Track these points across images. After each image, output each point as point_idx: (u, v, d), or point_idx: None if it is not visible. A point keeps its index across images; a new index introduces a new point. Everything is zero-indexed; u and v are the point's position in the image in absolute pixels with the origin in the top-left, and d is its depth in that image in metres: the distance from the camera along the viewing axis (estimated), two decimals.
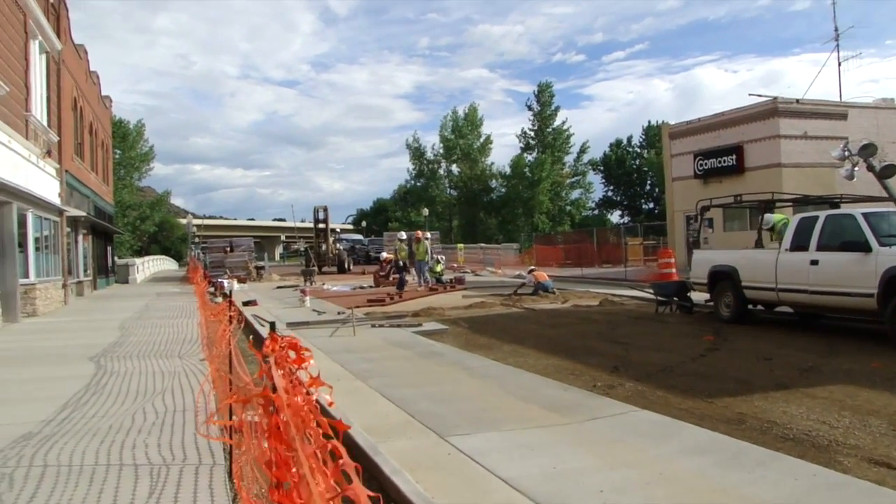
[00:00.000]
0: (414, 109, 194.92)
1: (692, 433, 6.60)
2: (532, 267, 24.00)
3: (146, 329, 15.40)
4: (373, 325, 15.67)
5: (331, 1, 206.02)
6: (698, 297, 16.89)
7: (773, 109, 27.21)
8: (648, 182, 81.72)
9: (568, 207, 71.61)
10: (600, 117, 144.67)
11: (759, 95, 27.96)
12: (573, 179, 72.86)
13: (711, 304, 15.55)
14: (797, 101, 27.78)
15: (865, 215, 11.94)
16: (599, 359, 11.07)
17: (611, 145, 79.81)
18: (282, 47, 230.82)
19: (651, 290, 17.59)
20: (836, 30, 32.35)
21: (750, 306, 14.63)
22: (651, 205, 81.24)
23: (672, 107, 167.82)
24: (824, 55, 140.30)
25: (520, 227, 65.92)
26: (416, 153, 73.29)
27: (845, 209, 13.61)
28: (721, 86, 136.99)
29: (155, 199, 72.32)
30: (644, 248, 42.42)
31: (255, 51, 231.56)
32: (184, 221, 79.71)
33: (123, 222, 59.96)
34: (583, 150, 75.00)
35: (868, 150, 19.89)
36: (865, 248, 11.53)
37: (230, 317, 6.64)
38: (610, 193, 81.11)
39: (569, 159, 73.00)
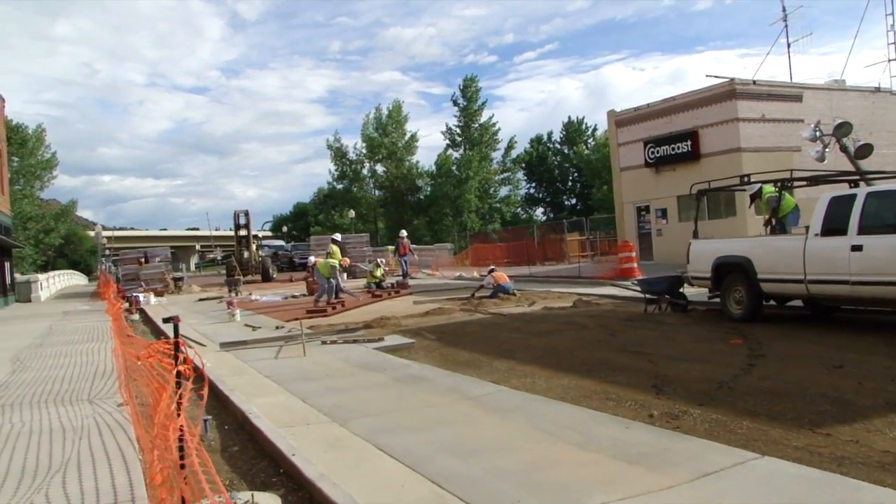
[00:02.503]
0: (327, 114, 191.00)
1: (874, 495, 4.45)
2: (491, 267, 21.76)
3: (47, 360, 12.50)
4: (324, 342, 13.17)
5: (239, 6, 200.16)
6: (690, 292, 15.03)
7: (730, 91, 25.62)
8: (570, 178, 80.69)
9: (497, 205, 69.72)
10: (512, 117, 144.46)
11: (717, 77, 26.51)
12: (502, 176, 70.98)
13: (716, 300, 13.58)
14: (754, 82, 26.30)
15: None
16: (626, 375, 8.89)
17: (531, 142, 78.34)
18: (190, 54, 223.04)
19: (638, 287, 15.55)
20: (784, 10, 31.12)
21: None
22: (574, 201, 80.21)
23: (582, 105, 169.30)
24: (726, 52, 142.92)
25: (448, 226, 63.71)
26: (338, 153, 70.22)
27: (891, 185, 11.75)
28: (629, 84, 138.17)
29: (60, 210, 67.12)
30: (581, 243, 40.77)
31: (162, 58, 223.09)
32: (92, 233, 75.08)
33: (24, 235, 55.34)
34: (510, 147, 73.24)
35: (843, 130, 18.36)
36: None
37: (180, 372, 4.20)
38: (532, 191, 79.78)
39: (496, 156, 71.27)
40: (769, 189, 14.14)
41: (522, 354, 10.90)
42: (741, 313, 12.70)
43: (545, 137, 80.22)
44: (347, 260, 22.87)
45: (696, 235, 14.37)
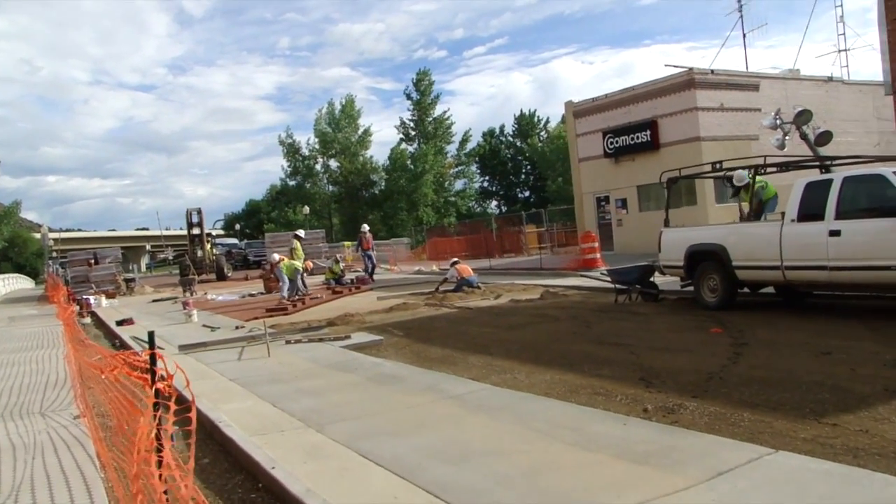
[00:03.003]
0: (277, 111, 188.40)
1: None
2: (454, 259, 21.34)
3: None
4: (288, 342, 12.64)
5: (185, 2, 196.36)
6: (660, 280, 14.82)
7: (689, 81, 25.53)
8: (524, 171, 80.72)
9: (453, 199, 69.30)
10: (463, 112, 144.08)
11: (676, 66, 26.35)
12: (457, 170, 70.56)
13: (689, 289, 13.34)
14: (712, 71, 26.25)
15: None
16: (611, 368, 8.55)
17: (484, 135, 78.13)
18: (135, 51, 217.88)
19: (608, 277, 15.27)
20: (739, 0, 31.22)
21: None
22: (527, 193, 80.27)
23: (532, 99, 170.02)
24: (673, 46, 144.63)
25: (403, 221, 63.16)
26: (290, 149, 69.09)
27: (867, 169, 11.57)
28: (578, 77, 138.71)
29: (2, 212, 64.99)
30: (538, 235, 40.60)
31: (106, 55, 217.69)
32: (38, 236, 73.01)
33: None
34: (465, 140, 72.92)
35: (803, 117, 18.34)
36: None
37: (158, 391, 3.69)
38: (486, 184, 79.59)
39: (451, 149, 70.79)
40: (757, 180, 13.89)
41: (497, 349, 10.51)
42: (716, 301, 12.47)
43: (497, 130, 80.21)
44: (310, 263, 22.18)
45: (667, 224, 14.11)
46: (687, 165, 15.09)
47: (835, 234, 10.34)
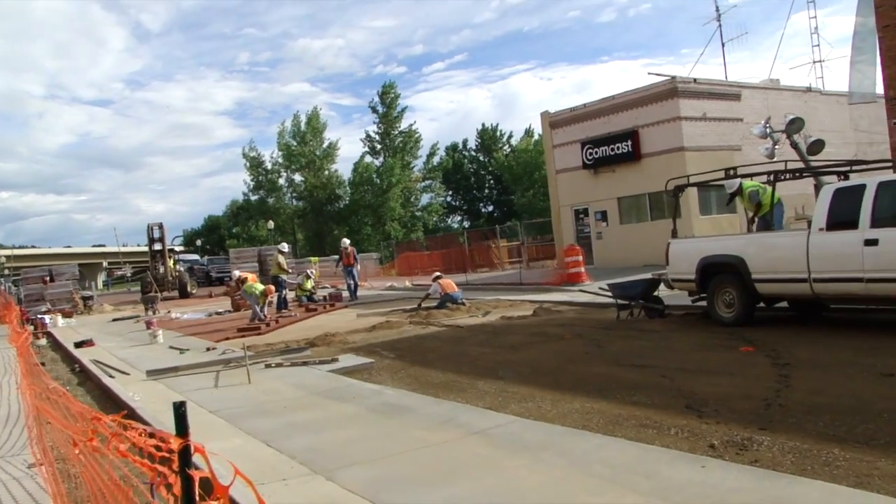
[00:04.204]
0: (235, 126, 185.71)
1: None
2: (437, 273, 20.21)
3: None
4: (268, 365, 11.48)
5: (143, 16, 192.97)
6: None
7: (672, 90, 24.76)
8: (487, 185, 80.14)
9: (419, 213, 68.22)
10: (423, 127, 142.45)
11: (658, 74, 25.72)
12: (425, 184, 69.48)
13: (700, 304, 12.46)
14: (695, 80, 25.55)
15: None
16: (646, 394, 7.58)
17: (447, 150, 77.36)
18: (91, 65, 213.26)
19: (609, 292, 14.31)
20: (718, 9, 30.78)
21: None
22: (490, 208, 79.67)
23: (491, 114, 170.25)
24: (630, 62, 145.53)
25: (369, 236, 61.88)
26: (254, 163, 67.51)
27: None
28: (537, 93, 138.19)
29: None
30: (509, 249, 39.79)
31: (62, 68, 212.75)
32: None
33: None
34: (432, 153, 72.08)
35: (795, 126, 17.79)
36: None
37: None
38: (449, 199, 78.77)
39: (418, 163, 69.78)
40: (749, 184, 13.13)
41: (507, 373, 9.49)
42: (732, 317, 11.56)
43: (460, 145, 79.54)
44: (272, 288, 20.76)
45: (674, 234, 13.22)
46: (676, 176, 14.27)
47: (871, 243, 9.49)
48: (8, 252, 77.23)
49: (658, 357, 9.61)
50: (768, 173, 12.41)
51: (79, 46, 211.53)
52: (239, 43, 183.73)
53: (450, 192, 76.83)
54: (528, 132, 75.07)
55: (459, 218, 79.48)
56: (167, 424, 7.57)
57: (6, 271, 58.26)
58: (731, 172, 12.71)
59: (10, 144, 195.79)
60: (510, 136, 78.27)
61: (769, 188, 12.92)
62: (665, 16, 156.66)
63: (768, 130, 18.86)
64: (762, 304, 11.86)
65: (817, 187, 13.13)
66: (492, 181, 79.42)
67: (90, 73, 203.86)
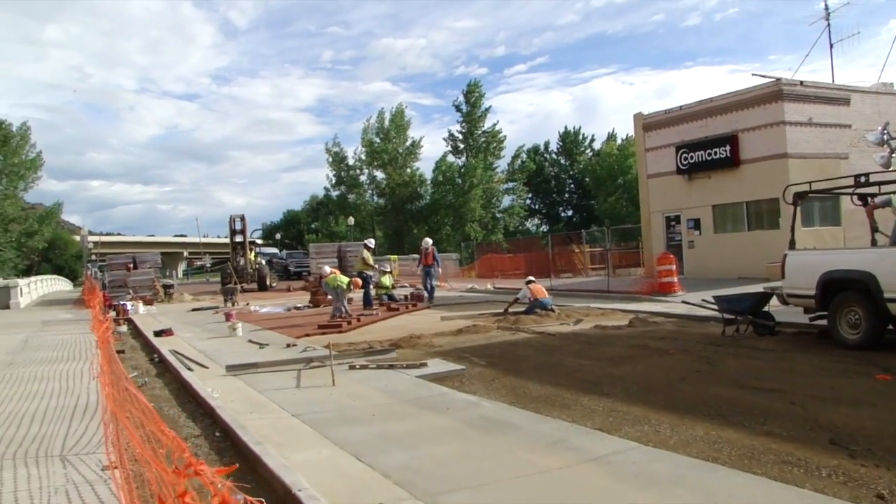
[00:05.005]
0: (317, 123, 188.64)
1: None
2: (529, 278, 19.41)
3: (16, 387, 9.99)
4: (352, 367, 10.90)
5: (231, 13, 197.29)
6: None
7: (776, 93, 23.44)
8: (567, 190, 78.86)
9: (500, 215, 67.37)
10: (503, 129, 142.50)
11: (763, 76, 24.39)
12: (508, 185, 68.59)
13: (818, 323, 11.43)
14: (801, 83, 24.19)
15: None
16: (778, 424, 6.71)
17: (528, 153, 76.27)
18: (181, 60, 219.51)
19: (715, 305, 13.34)
20: (827, 8, 29.23)
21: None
22: (570, 212, 78.39)
23: (571, 118, 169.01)
24: (715, 68, 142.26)
25: (448, 236, 61.34)
26: (337, 158, 67.70)
27: None
28: (618, 98, 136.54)
29: (44, 213, 64.16)
30: (592, 255, 38.76)
31: (152, 64, 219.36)
32: (78, 238, 72.53)
33: (5, 238, 52.79)
34: (517, 155, 71.16)
35: None
36: None
37: None
38: (528, 202, 77.70)
39: (500, 164, 68.93)
40: None
41: (613, 389, 8.70)
42: (858, 339, 10.51)
43: (542, 147, 78.44)
44: (358, 282, 20.49)
45: (792, 245, 12.18)
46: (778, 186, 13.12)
47: None
48: (96, 238, 79.18)
49: (781, 380, 8.67)
50: None
51: (169, 43, 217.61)
52: (323, 41, 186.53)
53: (530, 195, 75.80)
54: (612, 136, 73.73)
55: (538, 221, 78.42)
56: (248, 427, 7.04)
57: (94, 257, 59.61)
58: (865, 178, 11.58)
59: (103, 136, 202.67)
60: (592, 140, 76.93)
61: None
62: (752, 20, 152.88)
63: (886, 137, 17.51)
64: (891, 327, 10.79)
65: None
66: (572, 185, 78.14)
67: (179, 68, 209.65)
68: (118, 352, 12.53)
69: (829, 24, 29.27)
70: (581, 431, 6.61)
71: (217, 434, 7.39)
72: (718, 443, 6.25)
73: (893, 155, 17.10)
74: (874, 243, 12.06)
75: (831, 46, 29.45)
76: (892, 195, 11.83)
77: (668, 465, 5.46)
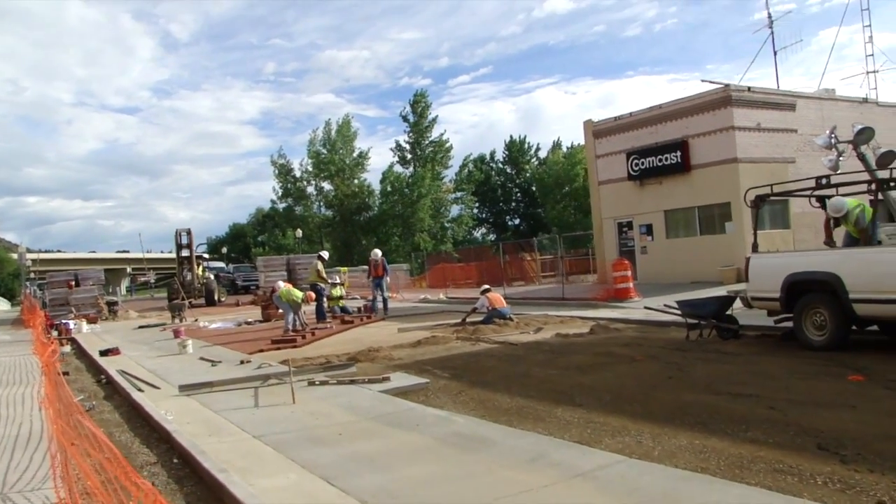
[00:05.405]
0: (261, 136, 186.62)
1: None
2: (485, 287, 19.11)
3: None
4: (311, 383, 10.48)
5: (171, 26, 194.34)
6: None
7: (726, 98, 23.58)
8: (514, 199, 79.01)
9: (449, 225, 67.11)
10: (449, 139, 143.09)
11: (711, 82, 24.45)
12: (456, 195, 68.36)
13: (782, 326, 11.36)
14: (749, 88, 24.41)
15: None
16: (762, 430, 6.53)
17: (474, 162, 76.25)
18: (120, 73, 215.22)
19: (676, 310, 13.23)
20: (770, 16, 29.69)
21: None
22: (517, 221, 78.51)
23: (514, 127, 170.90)
24: (655, 77, 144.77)
25: (397, 246, 60.86)
26: (283, 171, 66.81)
27: None
28: (561, 107, 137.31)
29: None
30: (543, 263, 38.72)
31: (91, 76, 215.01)
32: (15, 256, 70.37)
33: None
34: (464, 165, 71.05)
35: (864, 136, 16.62)
36: None
37: None
38: (475, 211, 77.67)
39: (448, 174, 68.73)
40: (854, 203, 11.75)
41: (586, 399, 8.45)
42: (823, 340, 10.45)
43: (488, 157, 78.55)
44: (312, 295, 20.15)
45: (755, 249, 12.12)
46: (762, 185, 13.07)
47: None
48: (34, 256, 76.94)
49: (756, 385, 8.51)
50: (868, 182, 11.28)
51: (108, 55, 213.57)
52: (266, 53, 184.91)
53: (477, 205, 75.79)
54: (557, 144, 74.16)
55: (485, 230, 78.43)
56: (208, 452, 6.61)
57: (32, 275, 57.83)
58: (824, 181, 11.56)
59: (40, 150, 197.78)
60: (538, 149, 77.33)
61: (867, 205, 11.71)
62: (690, 31, 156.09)
63: (833, 141, 17.66)
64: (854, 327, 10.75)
65: (876, 202, 11.80)
66: (519, 194, 78.33)
67: (119, 81, 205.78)
68: (62, 373, 11.90)
69: (772, 32, 29.71)
70: (561, 445, 6.34)
71: (175, 461, 6.92)
72: (704, 452, 6.03)
73: (841, 158, 17.28)
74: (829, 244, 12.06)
75: (775, 53, 29.93)
76: (846, 200, 11.77)
77: (659, 479, 5.20)
